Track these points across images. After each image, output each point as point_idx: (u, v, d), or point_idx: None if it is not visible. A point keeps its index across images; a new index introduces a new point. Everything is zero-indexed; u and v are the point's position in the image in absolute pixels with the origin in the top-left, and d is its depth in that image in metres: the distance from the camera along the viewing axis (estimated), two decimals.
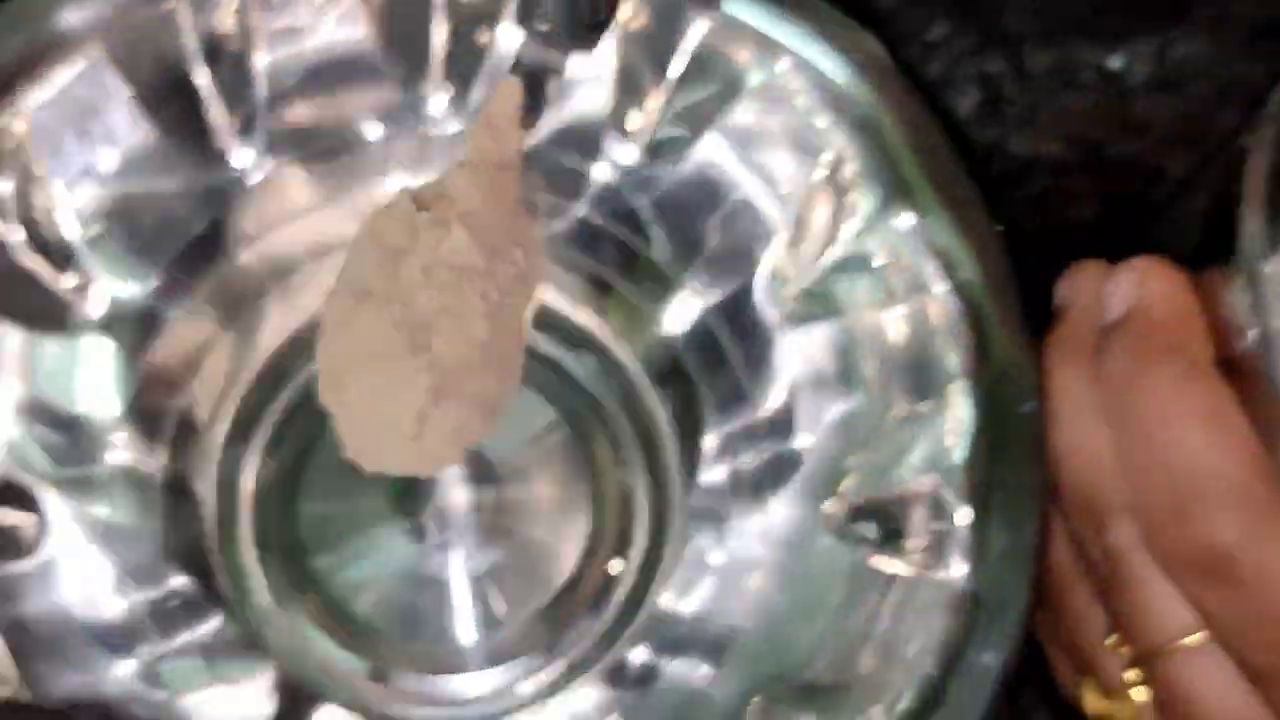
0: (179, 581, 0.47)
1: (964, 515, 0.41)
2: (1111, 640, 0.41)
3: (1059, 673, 0.45)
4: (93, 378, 0.46)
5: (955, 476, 0.42)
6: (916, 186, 0.43)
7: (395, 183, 0.47)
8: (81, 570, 0.46)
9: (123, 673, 0.46)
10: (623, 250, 0.49)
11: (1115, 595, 0.40)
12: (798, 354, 0.47)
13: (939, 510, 0.42)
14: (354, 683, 0.49)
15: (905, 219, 0.43)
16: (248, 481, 0.49)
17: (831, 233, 0.45)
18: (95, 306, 0.46)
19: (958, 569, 0.41)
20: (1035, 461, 0.41)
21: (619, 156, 0.47)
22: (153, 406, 0.47)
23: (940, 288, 0.43)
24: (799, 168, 0.45)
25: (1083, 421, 0.40)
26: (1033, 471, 0.41)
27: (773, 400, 0.48)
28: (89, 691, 0.45)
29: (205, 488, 0.48)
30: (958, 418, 0.42)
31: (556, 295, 0.49)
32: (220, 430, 0.48)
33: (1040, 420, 0.41)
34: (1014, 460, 0.41)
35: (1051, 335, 0.43)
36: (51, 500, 0.45)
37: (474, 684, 0.49)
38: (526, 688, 0.49)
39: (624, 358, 0.50)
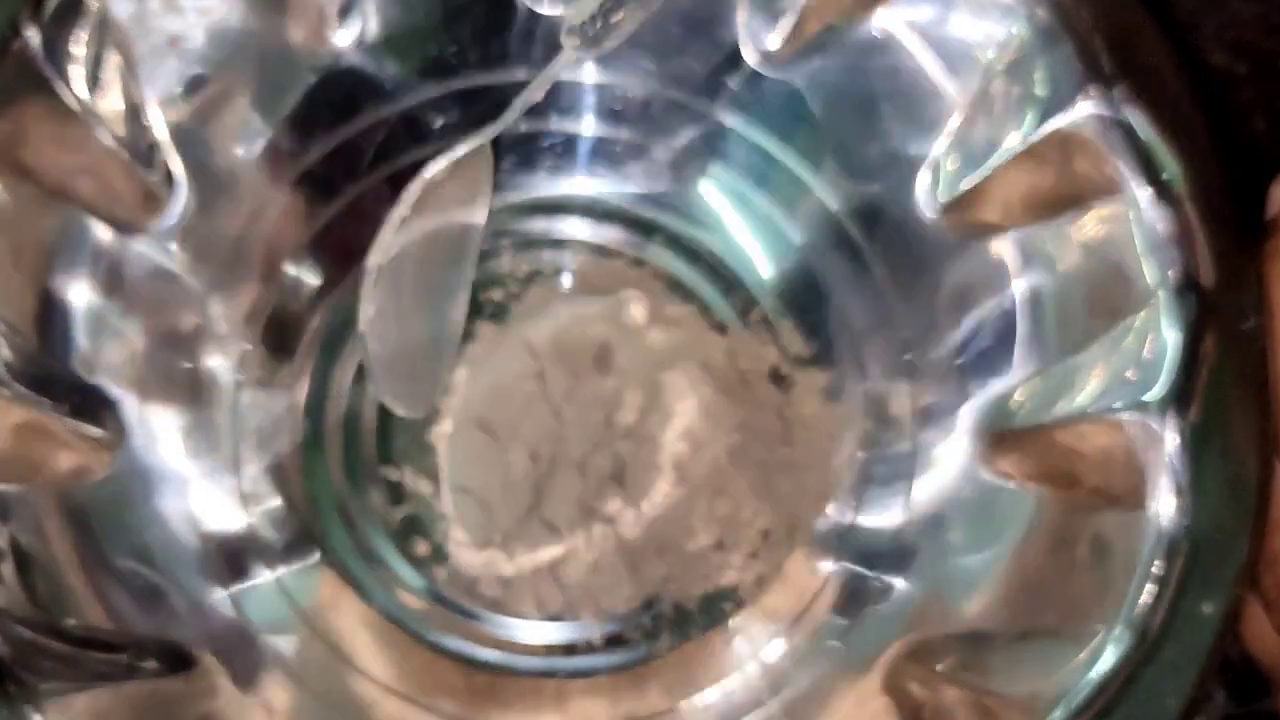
0: (274, 505, 0.43)
1: (1171, 445, 0.35)
2: None
3: (1255, 632, 0.39)
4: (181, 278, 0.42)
5: (1159, 403, 0.36)
6: (1112, 74, 0.37)
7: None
8: (173, 488, 0.42)
9: (208, 605, 0.41)
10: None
11: None
12: (961, 266, 0.42)
13: (1140, 440, 0.36)
14: (434, 617, 0.45)
15: (1097, 109, 0.37)
16: (338, 398, 0.46)
17: (1010, 122, 0.39)
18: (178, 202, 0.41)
19: (1166, 507, 0.35)
20: (1257, 385, 0.35)
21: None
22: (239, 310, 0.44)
23: (1139, 189, 0.37)
24: (980, 47, 0.39)
25: None
26: (1255, 396, 0.35)
27: (931, 318, 0.43)
28: (170, 627, 0.40)
29: (295, 401, 0.45)
30: (1161, 335, 0.36)
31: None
32: (313, 341, 0.45)
33: (1262, 338, 0.35)
34: (1232, 384, 0.35)
35: (1273, 243, 0.37)
36: (132, 405, 0.41)
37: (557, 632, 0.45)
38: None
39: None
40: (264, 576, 0.43)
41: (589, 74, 0.46)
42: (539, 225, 0.48)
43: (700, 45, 0.44)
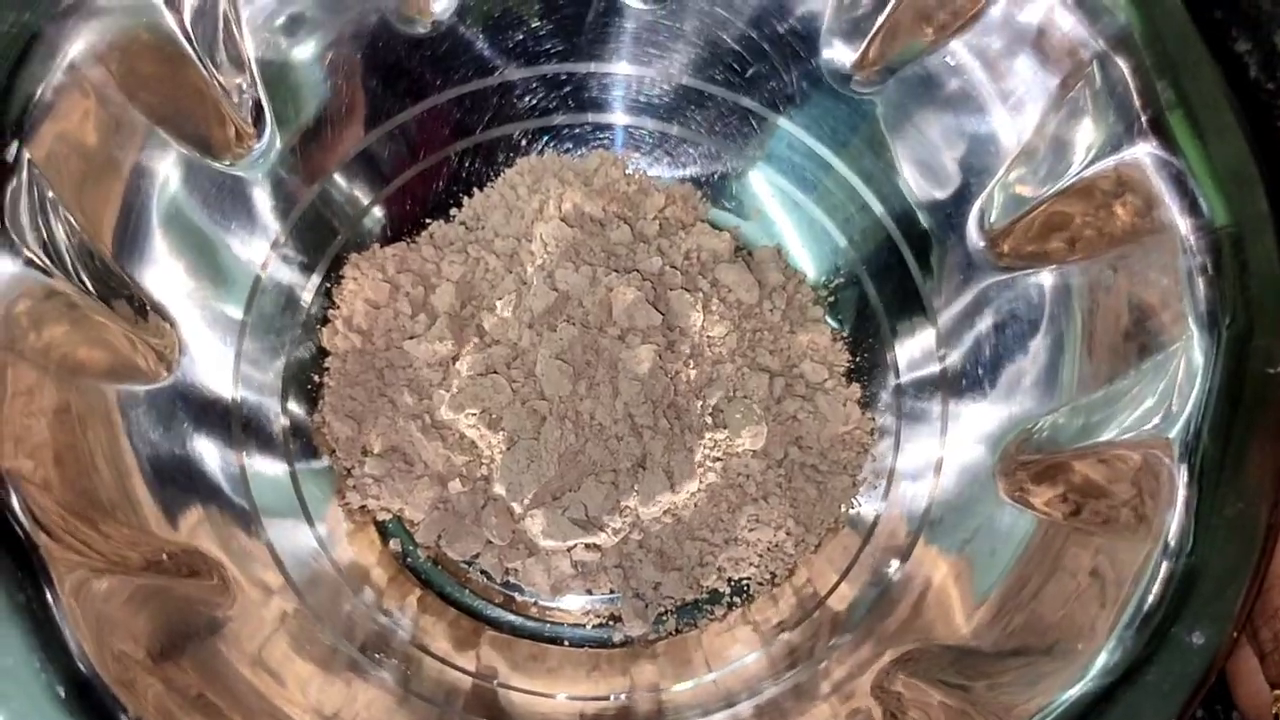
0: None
1: (1184, 479, 0.34)
2: None
3: (1241, 684, 0.38)
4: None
5: (1180, 437, 0.35)
6: (1170, 112, 0.37)
7: None
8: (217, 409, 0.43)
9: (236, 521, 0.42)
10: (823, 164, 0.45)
11: None
12: (1004, 294, 0.41)
13: (1156, 473, 0.35)
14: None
15: (1153, 149, 0.37)
16: None
17: (1065, 157, 0.39)
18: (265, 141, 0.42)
19: (1170, 538, 0.34)
20: (1278, 429, 0.34)
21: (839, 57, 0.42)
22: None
23: (1185, 230, 0.36)
24: (1043, 82, 0.39)
25: None
26: (1274, 440, 0.34)
27: (970, 341, 0.42)
28: (196, 536, 0.40)
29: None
30: (1189, 373, 0.35)
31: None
32: None
33: None
34: (1255, 425, 0.34)
35: None
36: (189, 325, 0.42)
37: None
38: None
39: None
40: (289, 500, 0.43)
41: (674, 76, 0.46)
42: None
43: (777, 53, 0.44)
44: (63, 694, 0.31)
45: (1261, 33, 0.52)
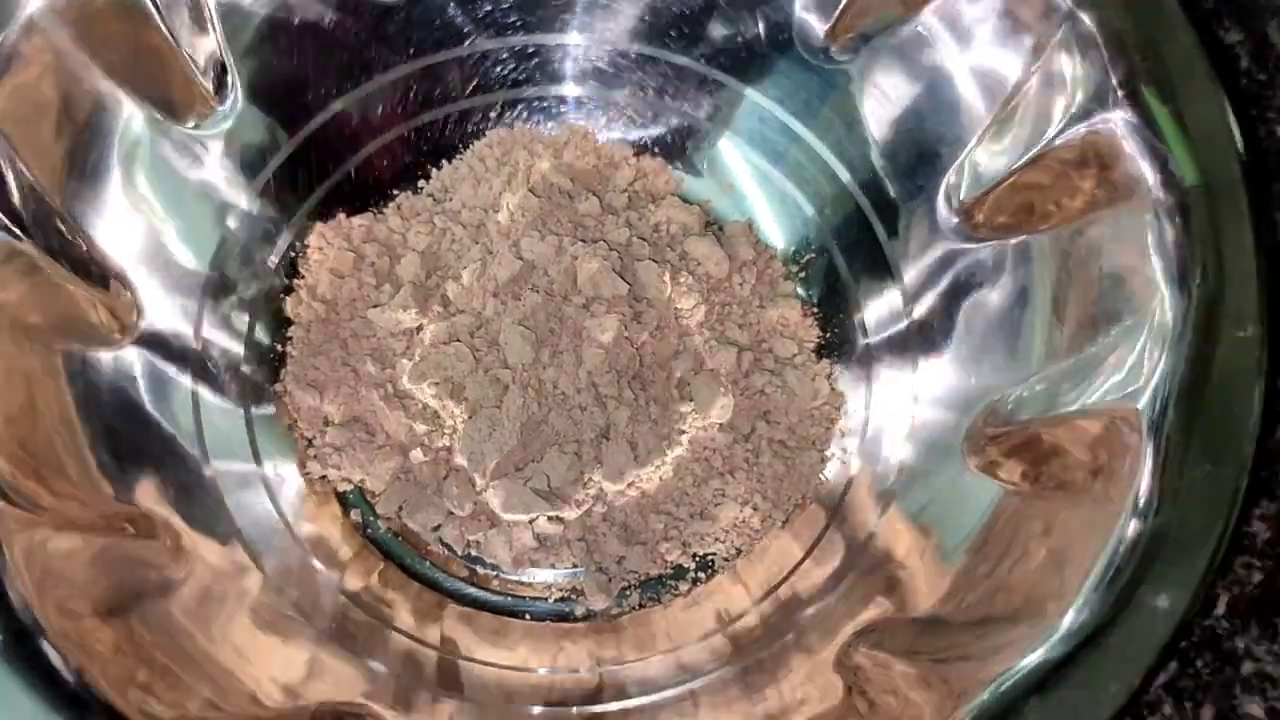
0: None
1: (1153, 444, 0.33)
2: None
3: None
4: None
5: (1150, 398, 0.34)
6: (1143, 77, 0.36)
7: None
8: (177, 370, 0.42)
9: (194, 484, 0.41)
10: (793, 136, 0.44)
11: None
12: (973, 264, 0.41)
13: (1125, 438, 0.34)
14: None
15: (1121, 113, 0.36)
16: None
17: (1037, 126, 0.38)
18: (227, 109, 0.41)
19: (1137, 502, 0.33)
20: (1251, 393, 0.33)
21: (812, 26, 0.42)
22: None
23: (1154, 190, 0.36)
24: (1017, 51, 0.38)
25: None
26: (1246, 403, 0.33)
27: (940, 311, 0.42)
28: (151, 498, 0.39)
29: None
30: (1160, 334, 0.35)
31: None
32: None
33: (1261, 348, 0.34)
34: (1225, 388, 0.34)
35: None
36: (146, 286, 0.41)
37: None
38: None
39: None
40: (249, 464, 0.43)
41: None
42: None
43: (748, 23, 0.44)
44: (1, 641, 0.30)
45: (1253, 23, 0.52)
